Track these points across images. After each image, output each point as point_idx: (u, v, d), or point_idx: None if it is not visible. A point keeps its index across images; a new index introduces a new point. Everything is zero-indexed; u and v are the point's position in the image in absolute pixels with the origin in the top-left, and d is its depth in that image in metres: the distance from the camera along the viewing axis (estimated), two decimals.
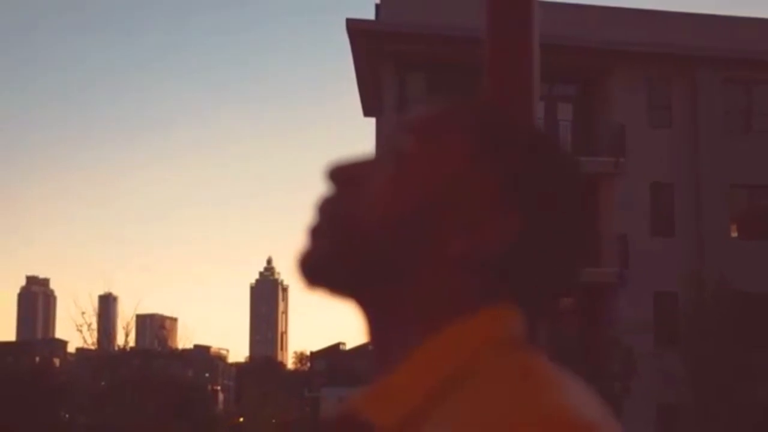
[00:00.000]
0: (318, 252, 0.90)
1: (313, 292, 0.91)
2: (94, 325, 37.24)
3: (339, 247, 0.89)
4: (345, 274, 0.89)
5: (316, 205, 0.92)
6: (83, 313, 36.77)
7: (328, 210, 0.91)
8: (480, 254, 0.87)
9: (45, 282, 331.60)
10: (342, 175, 0.92)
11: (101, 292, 60.07)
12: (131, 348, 44.24)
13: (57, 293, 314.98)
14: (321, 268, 0.90)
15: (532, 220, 0.88)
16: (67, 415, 50.89)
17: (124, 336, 39.00)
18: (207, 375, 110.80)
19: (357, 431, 0.85)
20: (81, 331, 36.46)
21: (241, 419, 55.20)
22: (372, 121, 32.62)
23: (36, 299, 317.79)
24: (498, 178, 0.89)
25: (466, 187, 0.89)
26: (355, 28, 25.63)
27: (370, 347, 0.91)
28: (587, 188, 0.93)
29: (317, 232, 0.91)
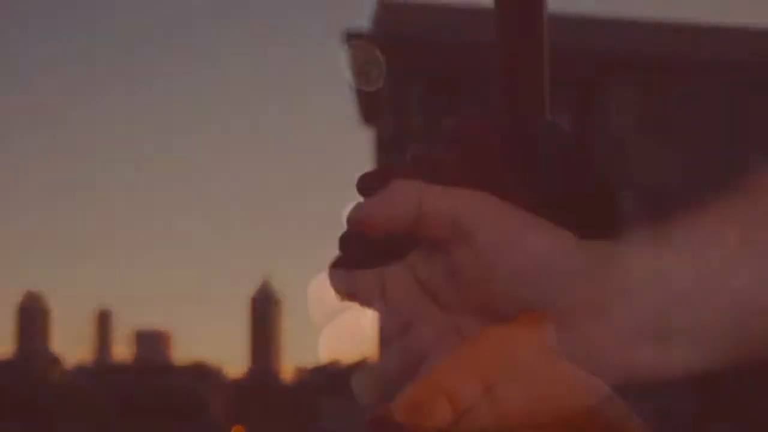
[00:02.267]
0: (349, 262, 0.89)
1: (343, 301, 0.90)
2: (92, 340, 37.29)
3: (370, 256, 0.88)
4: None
5: (346, 214, 0.91)
6: (80, 328, 36.82)
7: (358, 219, 0.90)
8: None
9: (41, 297, 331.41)
10: (372, 183, 0.91)
11: (98, 308, 60.16)
12: (129, 362, 44.23)
13: (53, 308, 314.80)
14: (352, 278, 0.89)
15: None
16: (65, 430, 50.86)
17: (122, 350, 39.02)
18: (205, 388, 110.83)
19: None
20: (78, 346, 36.49)
21: None
22: (369, 132, 32.70)
23: (32, 314, 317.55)
24: (534, 190, 0.88)
25: (500, 197, 0.88)
26: (352, 39, 25.70)
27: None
28: (615, 201, 0.93)
29: (348, 242, 0.90)
